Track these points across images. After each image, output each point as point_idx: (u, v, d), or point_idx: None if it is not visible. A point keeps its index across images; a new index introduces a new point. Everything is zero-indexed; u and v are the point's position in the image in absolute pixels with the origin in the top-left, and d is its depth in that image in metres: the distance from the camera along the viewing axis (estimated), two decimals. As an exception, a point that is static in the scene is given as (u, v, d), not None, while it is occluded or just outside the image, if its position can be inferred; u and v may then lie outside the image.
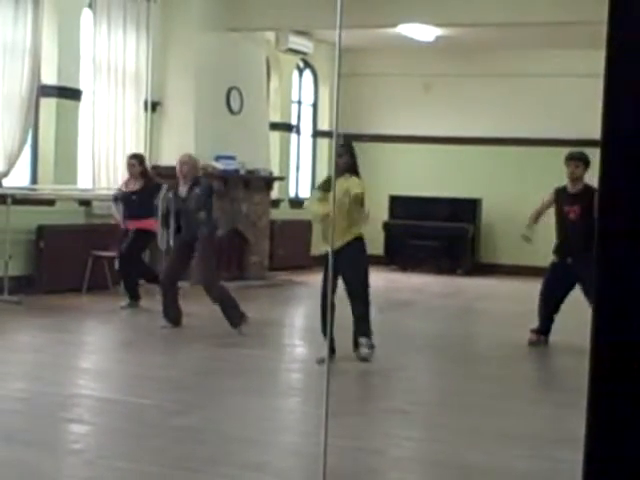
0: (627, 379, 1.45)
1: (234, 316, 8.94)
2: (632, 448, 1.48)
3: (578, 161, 8.79)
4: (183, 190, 9.20)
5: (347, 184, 7.73)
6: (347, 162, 7.84)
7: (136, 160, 10.86)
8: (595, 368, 1.49)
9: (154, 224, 10.17)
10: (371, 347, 7.86)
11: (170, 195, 9.28)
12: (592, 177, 8.94)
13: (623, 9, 1.53)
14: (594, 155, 1.56)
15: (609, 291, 1.52)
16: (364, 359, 7.75)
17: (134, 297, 10.49)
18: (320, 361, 7.43)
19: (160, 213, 9.32)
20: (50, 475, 4.68)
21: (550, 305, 8.85)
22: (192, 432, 5.56)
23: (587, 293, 8.32)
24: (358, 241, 7.88)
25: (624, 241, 1.52)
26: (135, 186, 10.73)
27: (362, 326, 7.87)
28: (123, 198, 10.72)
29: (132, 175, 10.81)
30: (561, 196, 8.93)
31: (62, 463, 4.96)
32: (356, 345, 7.86)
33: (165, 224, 9.26)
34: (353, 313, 7.86)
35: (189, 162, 9.28)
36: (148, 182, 10.65)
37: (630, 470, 1.46)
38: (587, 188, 8.68)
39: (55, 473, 4.75)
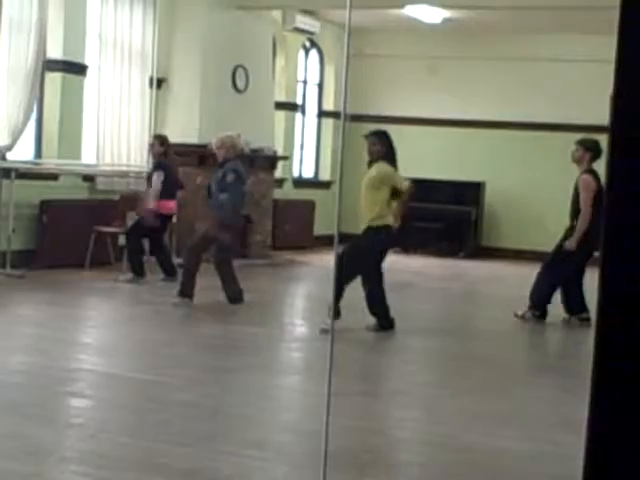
0: (633, 359, 1.47)
1: (185, 288, 9.16)
2: (635, 430, 1.49)
3: (578, 145, 9.11)
4: (218, 171, 9.43)
5: (375, 172, 8.16)
6: (380, 150, 8.20)
7: (156, 140, 10.95)
8: (600, 348, 1.50)
9: (171, 206, 10.43)
10: (375, 329, 8.24)
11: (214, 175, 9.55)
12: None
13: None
14: (602, 141, 1.56)
15: (615, 273, 1.52)
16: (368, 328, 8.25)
17: (138, 273, 10.51)
18: (323, 331, 7.58)
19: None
20: (51, 448, 4.71)
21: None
22: (193, 408, 5.58)
23: None
24: (369, 230, 8.16)
25: (633, 231, 1.52)
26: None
27: (370, 307, 8.28)
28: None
29: (153, 155, 10.95)
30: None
31: (63, 437, 4.98)
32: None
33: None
34: None
35: (219, 144, 9.42)
36: (159, 162, 10.75)
37: (635, 452, 1.48)
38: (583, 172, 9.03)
39: (56, 446, 4.77)
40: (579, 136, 9.55)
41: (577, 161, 9.08)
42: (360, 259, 8.12)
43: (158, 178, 10.53)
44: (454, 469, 4.71)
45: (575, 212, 9.00)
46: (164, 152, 10.80)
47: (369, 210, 8.16)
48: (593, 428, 1.52)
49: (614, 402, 1.52)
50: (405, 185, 8.23)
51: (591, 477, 1.58)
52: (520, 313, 9.18)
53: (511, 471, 4.74)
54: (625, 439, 1.51)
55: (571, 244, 8.88)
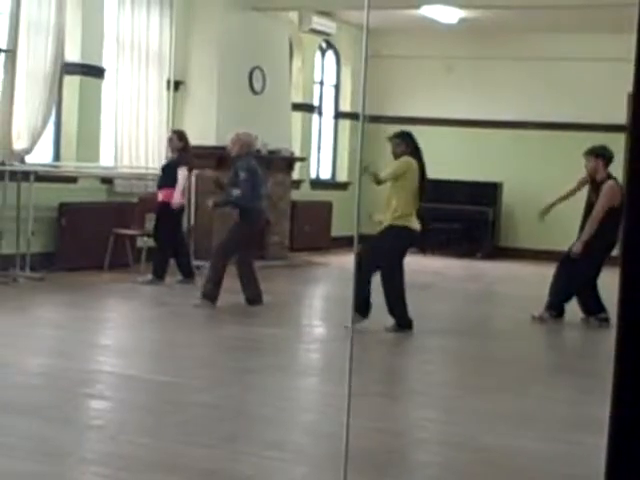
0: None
1: (208, 289, 9.14)
2: None
3: (588, 155, 9.15)
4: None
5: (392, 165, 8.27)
6: (404, 151, 8.21)
7: (175, 135, 11.02)
8: (621, 348, 1.50)
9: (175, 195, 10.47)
10: (394, 329, 8.24)
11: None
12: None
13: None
14: (619, 140, 1.55)
15: (636, 273, 1.52)
16: (386, 329, 8.24)
17: (159, 275, 10.54)
18: (347, 328, 7.73)
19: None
20: (71, 450, 4.73)
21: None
22: (213, 409, 5.60)
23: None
24: (389, 229, 8.19)
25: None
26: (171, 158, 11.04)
27: (389, 306, 8.28)
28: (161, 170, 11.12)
29: (172, 150, 11.01)
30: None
31: (83, 438, 5.00)
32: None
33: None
34: None
35: (234, 139, 9.49)
36: (181, 155, 10.78)
37: None
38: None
39: (76, 448, 4.79)
40: (596, 135, 9.54)
41: (593, 172, 9.04)
42: (382, 256, 8.12)
43: (182, 174, 10.61)
44: (472, 469, 4.70)
45: (587, 213, 8.99)
46: (183, 147, 10.85)
47: (389, 207, 8.20)
48: (615, 427, 1.52)
49: (636, 401, 1.52)
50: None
51: (614, 476, 1.58)
52: (537, 314, 9.15)
53: (529, 471, 4.73)
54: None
55: (577, 248, 8.86)
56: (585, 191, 9.32)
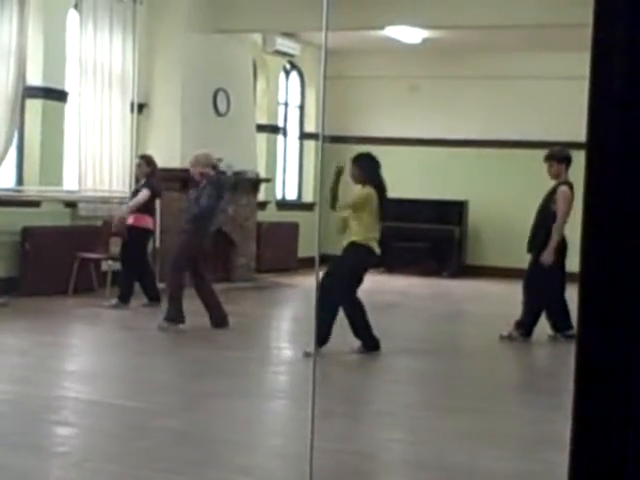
0: (612, 376, 1.47)
1: (172, 312, 9.14)
2: (617, 447, 1.49)
3: (550, 160, 9.15)
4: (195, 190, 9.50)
5: (356, 194, 8.30)
6: (360, 175, 8.25)
7: (143, 160, 11.01)
8: (580, 365, 1.50)
9: (148, 221, 10.41)
10: (361, 351, 8.21)
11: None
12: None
13: (608, 11, 1.53)
14: (581, 157, 1.57)
15: (594, 290, 1.52)
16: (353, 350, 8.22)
17: (125, 299, 10.48)
18: (307, 354, 7.65)
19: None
20: (37, 478, 4.66)
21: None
22: (178, 435, 5.55)
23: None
24: (350, 247, 8.17)
25: (611, 250, 1.52)
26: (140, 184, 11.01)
27: (353, 328, 8.24)
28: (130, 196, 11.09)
29: (140, 175, 11.03)
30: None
31: (49, 466, 4.94)
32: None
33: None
34: None
35: (194, 162, 9.48)
36: (150, 181, 10.76)
37: (616, 470, 1.47)
38: (557, 184, 9.08)
39: (42, 476, 4.73)
40: None
41: (556, 176, 9.08)
42: (342, 277, 8.08)
43: (143, 194, 10.58)
44: (441, 490, 4.68)
45: (542, 222, 8.95)
46: (151, 172, 10.81)
47: (350, 229, 8.22)
48: (576, 446, 1.52)
49: (595, 419, 1.52)
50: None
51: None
52: (506, 333, 9.13)
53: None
54: (606, 454, 1.51)
55: (548, 257, 8.81)
56: (536, 199, 9.33)
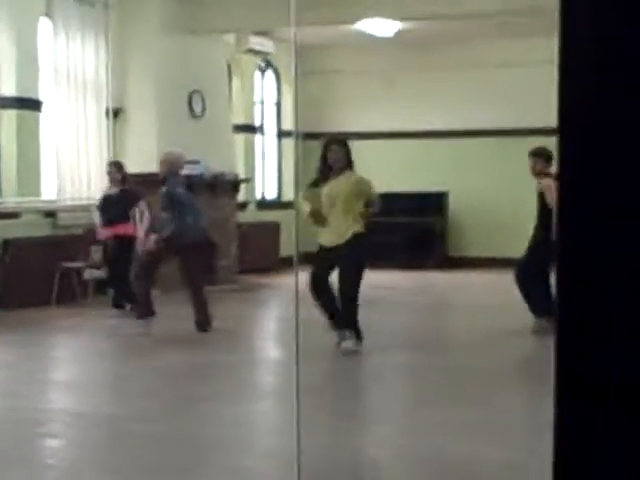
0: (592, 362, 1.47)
1: (140, 310, 9.27)
2: (601, 457, 1.49)
3: (535, 157, 9.19)
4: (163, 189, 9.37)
5: (353, 179, 7.95)
6: (342, 157, 7.96)
7: (114, 166, 10.89)
8: (560, 352, 1.49)
9: (133, 229, 10.22)
10: (357, 345, 7.99)
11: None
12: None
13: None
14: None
15: (571, 279, 1.52)
16: (347, 351, 7.87)
17: (133, 302, 10.16)
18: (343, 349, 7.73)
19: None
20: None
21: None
22: (168, 440, 5.52)
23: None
24: (361, 236, 7.90)
25: (584, 236, 1.51)
26: (115, 191, 10.75)
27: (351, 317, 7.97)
28: (102, 203, 10.78)
29: (112, 182, 10.83)
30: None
31: (38, 479, 4.90)
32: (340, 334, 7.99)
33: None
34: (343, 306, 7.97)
35: (162, 161, 9.51)
36: (127, 188, 10.66)
37: (601, 452, 1.47)
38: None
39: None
40: (538, 140, 9.59)
41: (538, 173, 9.10)
42: (357, 264, 7.89)
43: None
44: (433, 483, 4.67)
45: (543, 216, 8.94)
46: (123, 177, 10.72)
47: (356, 218, 7.92)
48: (559, 435, 1.51)
49: (577, 407, 1.51)
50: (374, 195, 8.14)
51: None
52: (535, 328, 8.98)
53: (495, 479, 4.71)
54: (590, 441, 1.50)
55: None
56: (532, 193, 9.32)
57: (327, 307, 7.91)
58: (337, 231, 7.88)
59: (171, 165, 9.50)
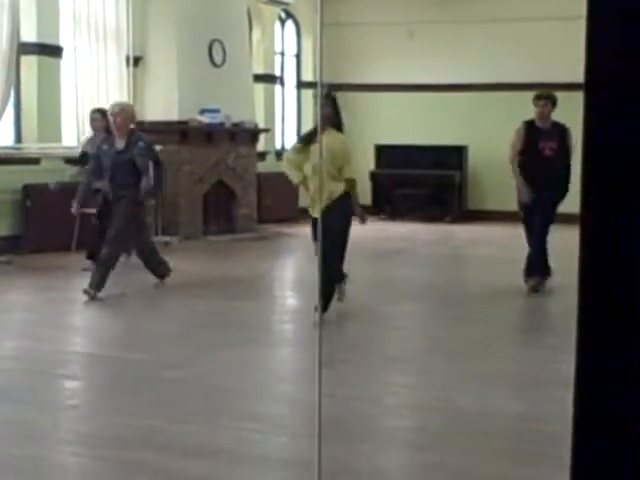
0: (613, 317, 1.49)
1: (101, 280, 8.30)
2: (620, 401, 1.51)
3: (546, 100, 8.87)
4: (120, 143, 8.47)
5: (330, 141, 7.06)
6: (328, 114, 7.19)
7: (99, 114, 10.05)
8: (584, 315, 1.51)
9: None
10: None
11: (105, 147, 8.54)
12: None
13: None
14: (579, 97, 1.57)
15: (596, 240, 1.52)
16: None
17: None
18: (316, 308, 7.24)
19: (92, 166, 8.69)
20: (48, 431, 4.72)
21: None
22: (187, 385, 5.60)
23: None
24: (345, 197, 7.31)
25: (612, 191, 1.52)
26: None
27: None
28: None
29: (96, 129, 9.97)
30: (532, 131, 8.93)
31: (59, 419, 5.00)
32: None
33: (99, 179, 8.66)
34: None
35: (121, 113, 8.48)
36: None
37: (618, 424, 1.50)
38: (556, 124, 8.83)
39: (53, 429, 4.79)
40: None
41: (547, 116, 8.86)
42: (345, 233, 7.36)
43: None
44: (448, 431, 4.74)
45: (562, 162, 8.70)
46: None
47: (338, 180, 7.28)
48: (580, 384, 1.54)
49: (598, 357, 1.54)
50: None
51: (581, 431, 1.60)
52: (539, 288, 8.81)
53: (504, 429, 4.78)
54: (610, 387, 1.53)
55: None
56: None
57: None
58: (324, 194, 7.20)
59: (133, 117, 8.76)
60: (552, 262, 8.84)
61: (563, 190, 8.61)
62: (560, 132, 8.76)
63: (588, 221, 1.58)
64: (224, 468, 4.22)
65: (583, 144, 1.54)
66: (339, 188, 7.26)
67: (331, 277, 7.18)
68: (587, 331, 1.53)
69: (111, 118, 8.60)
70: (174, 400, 5.26)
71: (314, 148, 7.13)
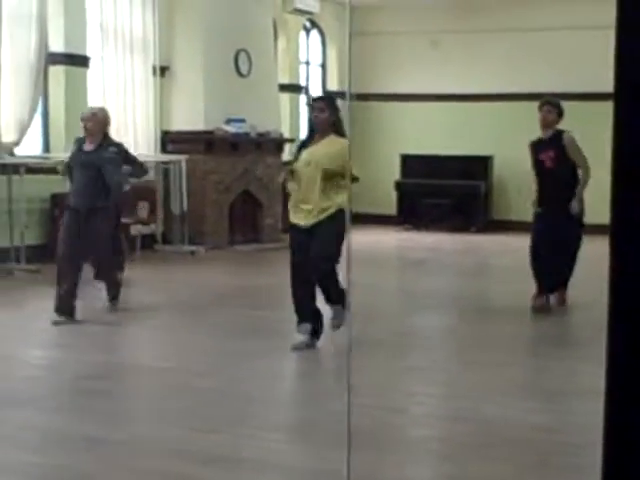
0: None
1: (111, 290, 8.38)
2: None
3: (550, 106, 8.62)
4: (89, 147, 8.19)
5: (331, 149, 6.63)
6: (328, 119, 6.66)
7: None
8: (615, 309, 1.51)
9: None
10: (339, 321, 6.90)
11: (74, 151, 8.30)
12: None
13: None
14: (608, 108, 1.57)
15: (627, 249, 1.52)
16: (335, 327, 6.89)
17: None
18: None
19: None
20: (78, 440, 4.74)
21: (540, 259, 8.66)
22: (214, 394, 5.62)
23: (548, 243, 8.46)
24: (340, 214, 6.60)
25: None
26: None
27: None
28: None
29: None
30: (535, 147, 8.82)
31: (88, 429, 5.02)
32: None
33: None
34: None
35: (94, 118, 8.17)
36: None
37: None
38: (558, 132, 8.56)
39: (81, 439, 4.81)
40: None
41: (550, 125, 8.57)
42: (338, 247, 6.50)
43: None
44: (473, 441, 4.73)
45: (561, 174, 8.64)
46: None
47: (336, 191, 6.66)
48: (611, 395, 1.54)
49: (630, 370, 1.54)
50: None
51: (611, 444, 1.59)
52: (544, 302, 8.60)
53: (529, 441, 4.76)
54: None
55: (577, 206, 8.39)
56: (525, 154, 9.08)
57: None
58: (315, 206, 6.66)
59: (107, 123, 8.39)
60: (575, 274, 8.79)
61: (567, 200, 8.41)
62: (558, 140, 8.50)
63: (618, 231, 1.58)
64: (249, 477, 4.23)
65: (613, 155, 1.54)
66: (334, 203, 6.64)
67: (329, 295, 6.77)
68: (618, 341, 1.53)
69: (81, 123, 8.24)
70: (201, 409, 5.28)
71: (304, 154, 6.79)
